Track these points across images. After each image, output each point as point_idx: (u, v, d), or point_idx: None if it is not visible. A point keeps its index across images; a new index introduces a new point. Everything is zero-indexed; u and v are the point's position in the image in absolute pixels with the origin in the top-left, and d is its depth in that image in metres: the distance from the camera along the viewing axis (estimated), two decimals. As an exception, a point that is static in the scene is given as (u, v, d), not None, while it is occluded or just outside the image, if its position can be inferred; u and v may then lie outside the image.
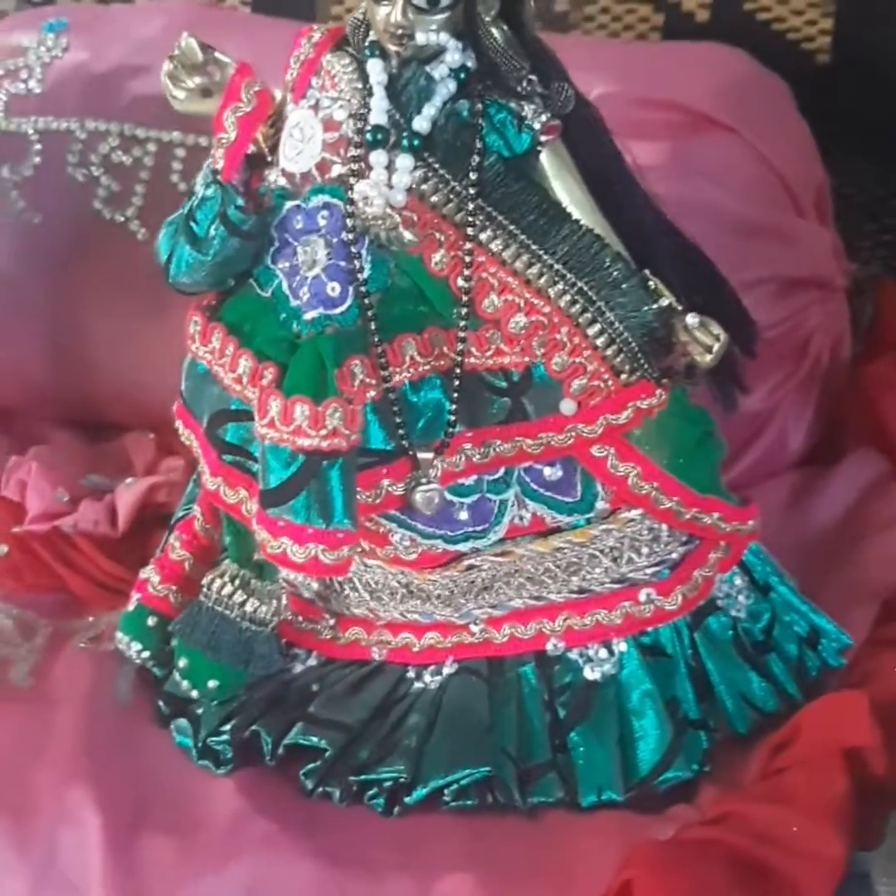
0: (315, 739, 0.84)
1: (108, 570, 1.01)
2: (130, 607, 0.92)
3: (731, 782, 0.84)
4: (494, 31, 0.78)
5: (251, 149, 0.80)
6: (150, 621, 0.91)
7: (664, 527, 0.85)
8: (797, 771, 0.81)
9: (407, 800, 0.83)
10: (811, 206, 1.07)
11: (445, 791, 0.82)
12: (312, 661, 0.89)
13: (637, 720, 0.84)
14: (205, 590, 0.87)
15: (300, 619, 0.89)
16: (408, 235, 0.77)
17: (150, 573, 0.93)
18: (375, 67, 0.77)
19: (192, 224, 0.81)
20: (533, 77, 0.79)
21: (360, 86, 0.78)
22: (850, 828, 0.77)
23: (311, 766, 0.84)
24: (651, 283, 0.81)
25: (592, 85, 1.06)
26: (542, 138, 0.79)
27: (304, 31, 0.83)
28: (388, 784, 0.83)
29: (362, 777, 0.83)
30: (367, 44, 0.79)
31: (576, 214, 0.80)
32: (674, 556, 0.87)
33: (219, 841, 0.82)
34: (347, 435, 0.77)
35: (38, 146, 1.13)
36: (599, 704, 0.84)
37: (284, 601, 0.88)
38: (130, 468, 1.10)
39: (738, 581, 0.89)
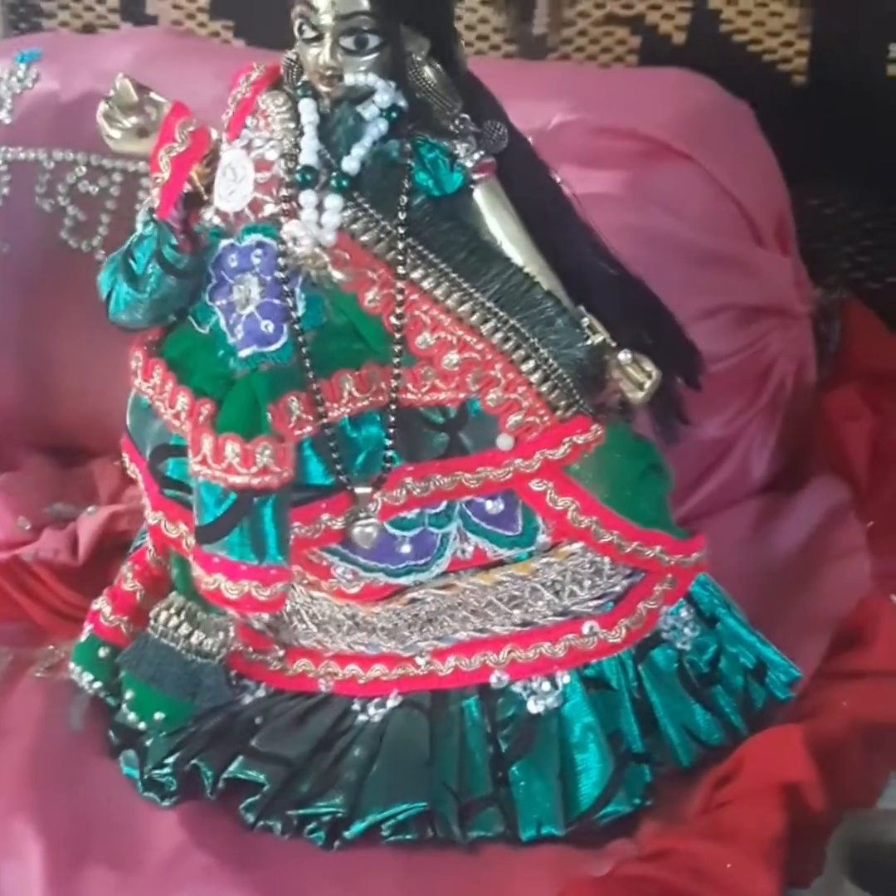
0: (255, 773, 0.84)
1: (67, 599, 1.02)
2: (83, 638, 0.93)
3: (673, 816, 0.84)
4: (426, 70, 0.78)
5: (187, 188, 0.80)
6: (102, 652, 0.92)
7: (606, 560, 0.86)
8: (736, 806, 0.81)
9: (346, 834, 0.83)
10: (772, 233, 1.07)
11: (383, 825, 0.82)
12: (261, 693, 0.90)
13: (579, 754, 0.84)
14: (152, 622, 0.88)
15: (250, 649, 0.90)
16: (337, 275, 0.77)
17: (102, 604, 0.93)
18: (307, 107, 0.78)
19: (131, 262, 0.82)
20: (465, 116, 0.79)
21: (292, 126, 0.78)
22: (783, 864, 0.77)
23: (251, 799, 0.84)
24: (585, 319, 0.81)
25: (553, 113, 1.08)
26: (475, 176, 0.79)
27: (245, 69, 0.84)
28: (326, 818, 0.83)
29: (301, 811, 0.83)
30: (299, 84, 0.79)
31: (510, 251, 0.81)
32: (617, 588, 0.87)
33: (158, 874, 0.82)
34: (278, 472, 0.77)
35: (7, 176, 1.14)
36: (541, 738, 0.85)
37: (232, 633, 0.88)
38: (96, 495, 1.11)
39: (683, 613, 0.89)
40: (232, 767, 0.85)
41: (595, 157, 1.04)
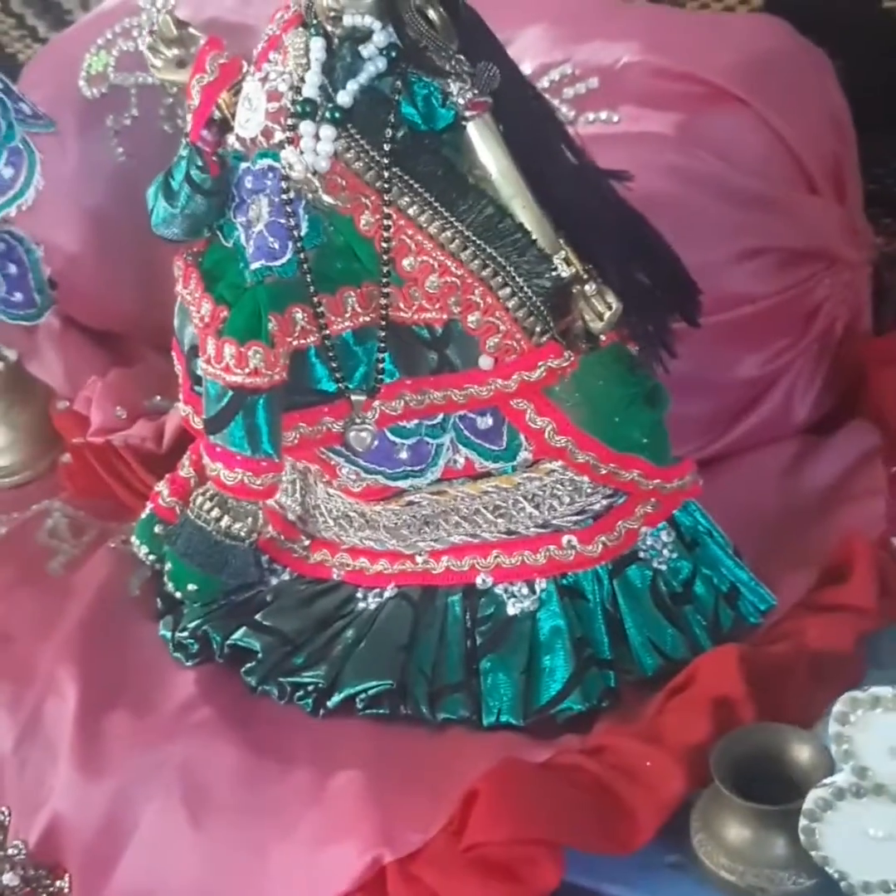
0: (253, 642, 0.95)
1: (147, 482, 1.13)
2: (144, 514, 1.05)
3: (628, 720, 0.90)
4: (430, 12, 0.84)
5: (217, 115, 0.89)
6: (157, 529, 1.04)
7: (585, 479, 0.92)
8: (672, 713, 0.87)
9: (328, 703, 0.92)
10: (827, 181, 1.09)
11: (357, 698, 0.91)
12: (286, 576, 1.00)
13: (546, 655, 0.91)
14: (190, 504, 0.98)
15: (282, 537, 1.00)
16: (328, 200, 0.85)
17: (162, 486, 1.05)
18: (316, 45, 0.86)
19: (170, 179, 0.91)
20: (460, 56, 0.85)
21: (304, 61, 0.86)
22: (699, 770, 0.82)
23: (250, 665, 0.94)
24: (562, 252, 0.86)
25: (621, 53, 1.12)
26: (467, 113, 0.86)
27: (284, 7, 0.92)
28: (311, 687, 0.93)
29: (291, 679, 0.93)
30: (314, 23, 0.87)
31: (500, 184, 0.87)
32: (596, 507, 0.93)
33: (166, 721, 0.94)
34: (268, 375, 0.86)
35: (136, 99, 1.25)
36: (514, 637, 0.92)
37: (261, 520, 0.98)
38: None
39: (664, 536, 0.94)
40: (235, 635, 0.95)
41: (653, 98, 1.08)
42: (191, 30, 0.91)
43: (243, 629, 0.95)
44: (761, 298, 1.07)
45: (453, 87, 0.85)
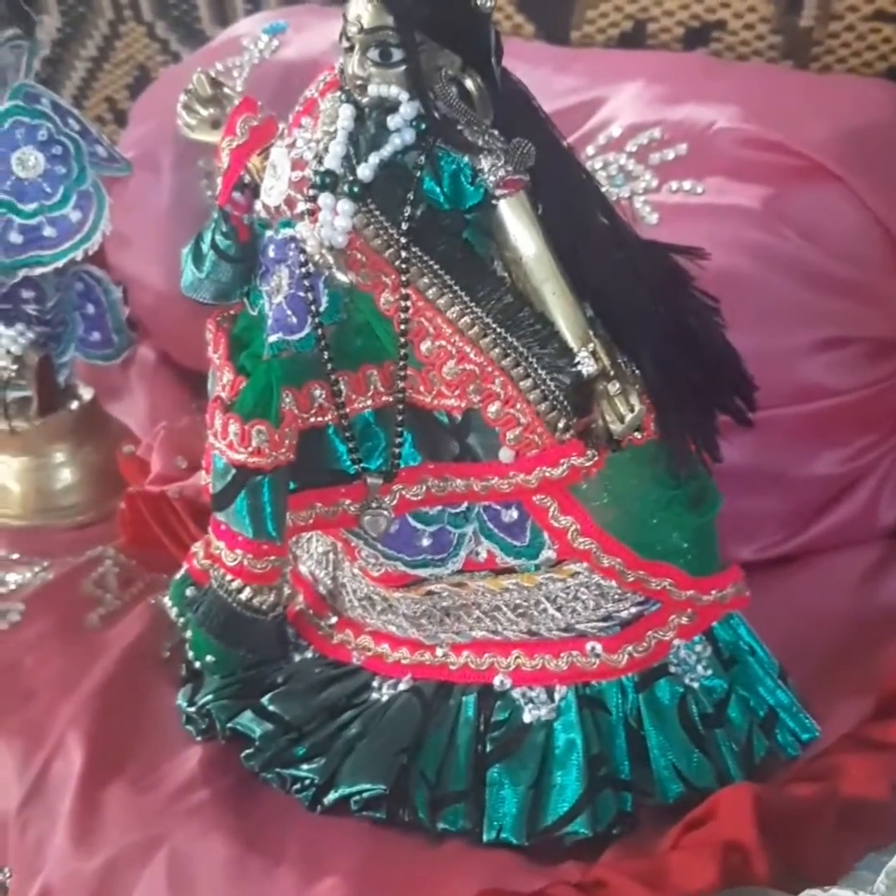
0: (253, 728, 0.90)
1: (196, 537, 1.11)
2: (178, 575, 1.02)
3: (640, 850, 0.84)
4: (467, 82, 0.79)
5: (247, 179, 0.86)
6: (189, 591, 1.00)
7: (613, 584, 0.85)
8: (681, 853, 0.80)
9: (324, 800, 0.88)
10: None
11: (352, 800, 0.87)
12: (309, 654, 0.95)
13: (558, 770, 0.85)
14: (213, 572, 0.95)
15: (311, 612, 0.96)
16: (343, 277, 0.81)
17: (198, 547, 1.02)
18: (345, 113, 0.81)
19: (200, 243, 0.88)
20: (494, 131, 0.80)
21: (331, 130, 0.82)
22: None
23: (248, 751, 0.90)
24: (591, 344, 0.80)
25: (716, 118, 1.05)
26: (498, 192, 0.80)
27: (329, 68, 0.88)
28: (308, 782, 0.88)
29: (289, 771, 0.89)
30: (345, 90, 0.83)
31: (531, 267, 0.81)
32: (624, 614, 0.86)
33: (163, 801, 0.90)
34: (270, 455, 0.82)
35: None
36: (526, 746, 0.86)
37: (286, 594, 0.94)
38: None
39: (699, 649, 0.87)
40: (238, 719, 0.91)
41: (742, 169, 1.01)
42: (226, 89, 0.88)
43: (247, 714, 0.91)
44: (844, 391, 0.99)
45: (484, 164, 0.80)
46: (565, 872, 0.82)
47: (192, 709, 0.93)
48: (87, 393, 1.24)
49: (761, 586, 0.91)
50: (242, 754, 0.91)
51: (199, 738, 0.94)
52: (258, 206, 0.86)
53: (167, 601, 1.02)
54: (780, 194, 1.00)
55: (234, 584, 0.92)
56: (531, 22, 1.43)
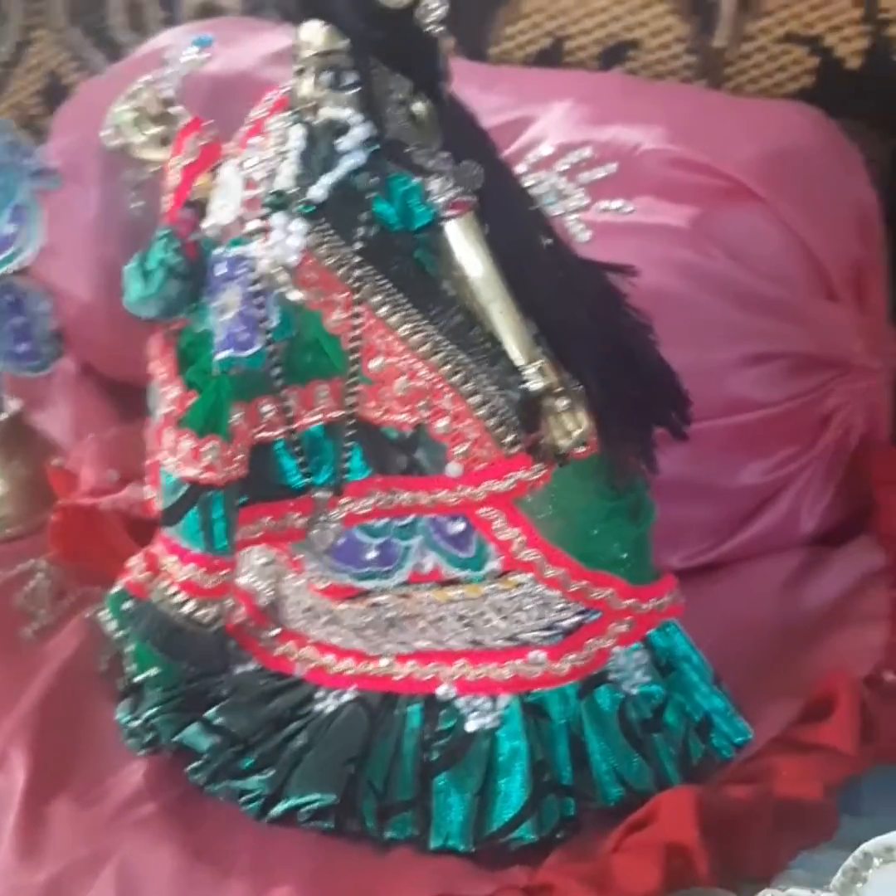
0: (200, 742, 0.91)
1: (131, 550, 1.11)
2: (115, 588, 1.02)
3: (586, 853, 0.86)
4: (413, 107, 0.81)
5: (194, 197, 0.87)
6: (127, 605, 1.00)
7: (556, 593, 0.87)
8: (625, 855, 0.82)
9: (272, 811, 0.89)
10: (848, 285, 1.04)
11: (300, 811, 0.88)
12: (251, 666, 0.96)
13: (502, 777, 0.87)
14: (155, 585, 0.95)
15: (252, 624, 0.97)
16: (295, 295, 0.82)
17: (135, 560, 1.02)
18: (296, 133, 0.83)
19: (145, 260, 0.89)
20: (443, 154, 0.82)
21: (283, 149, 0.83)
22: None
23: (195, 764, 0.91)
24: (538, 361, 0.83)
25: (642, 139, 1.08)
26: (446, 213, 0.82)
27: (272, 87, 0.89)
28: (256, 793, 0.89)
29: (237, 783, 0.90)
30: (296, 111, 0.84)
31: (477, 287, 0.83)
32: (566, 623, 0.88)
33: (108, 816, 0.91)
34: (223, 471, 0.83)
35: (154, 154, 1.23)
36: (471, 755, 0.88)
37: (227, 606, 0.95)
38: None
39: (637, 656, 0.89)
40: (183, 733, 0.92)
41: (670, 189, 1.04)
42: (173, 108, 0.89)
43: (193, 727, 0.92)
44: (768, 405, 1.03)
45: (434, 186, 0.82)
46: (512, 877, 0.84)
47: (137, 723, 0.94)
48: (15, 404, 1.24)
49: (688, 594, 0.94)
50: (188, 768, 0.91)
51: (140, 752, 0.95)
52: (206, 224, 0.86)
53: (105, 615, 1.02)
54: (708, 214, 1.03)
55: (177, 598, 0.92)
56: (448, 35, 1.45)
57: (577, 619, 0.89)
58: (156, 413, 0.94)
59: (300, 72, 0.82)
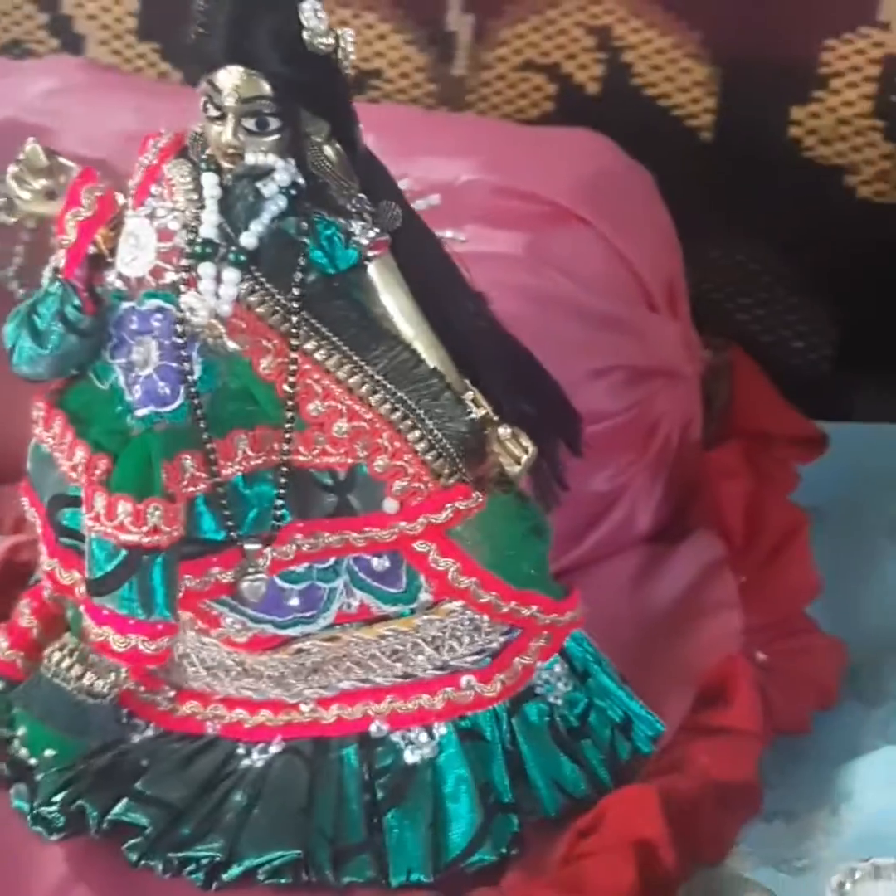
0: (138, 816, 0.87)
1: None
2: (-25, 671, 0.96)
3: (537, 865, 0.88)
4: (325, 150, 0.81)
5: (92, 250, 0.83)
6: (-4, 686, 0.95)
7: (485, 618, 0.89)
8: (593, 859, 0.85)
9: (223, 876, 0.86)
10: (663, 297, 1.11)
11: (259, 870, 0.86)
12: (150, 732, 0.92)
13: (451, 804, 0.88)
14: (45, 661, 0.90)
15: (142, 688, 0.93)
16: (232, 345, 0.80)
17: (-1, 638, 0.96)
18: (209, 181, 0.81)
19: (35, 317, 0.84)
20: (362, 195, 0.83)
21: (195, 197, 0.81)
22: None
23: (133, 841, 0.87)
24: (469, 393, 0.85)
25: (460, 171, 1.12)
26: (370, 253, 0.83)
27: (153, 135, 0.86)
28: (205, 861, 0.86)
29: (181, 854, 0.86)
30: (203, 157, 0.82)
31: (401, 325, 0.85)
32: (494, 645, 0.91)
33: (42, 909, 0.85)
34: (167, 532, 0.81)
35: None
36: (415, 788, 0.88)
37: (124, 674, 0.91)
38: (0, 524, 1.13)
39: (557, 668, 0.93)
40: (116, 809, 0.88)
41: (497, 218, 1.08)
42: (61, 160, 0.85)
43: (124, 802, 0.88)
44: (611, 415, 1.08)
45: (356, 227, 0.82)
46: (481, 898, 0.86)
47: (53, 808, 0.89)
48: None
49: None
50: (125, 845, 0.87)
51: (53, 837, 0.90)
52: (111, 277, 0.83)
53: (-31, 700, 0.96)
54: (537, 239, 1.07)
55: (74, 672, 0.89)
56: (179, 69, 1.43)
57: (503, 639, 0.91)
58: (39, 483, 0.89)
59: (218, 119, 0.80)
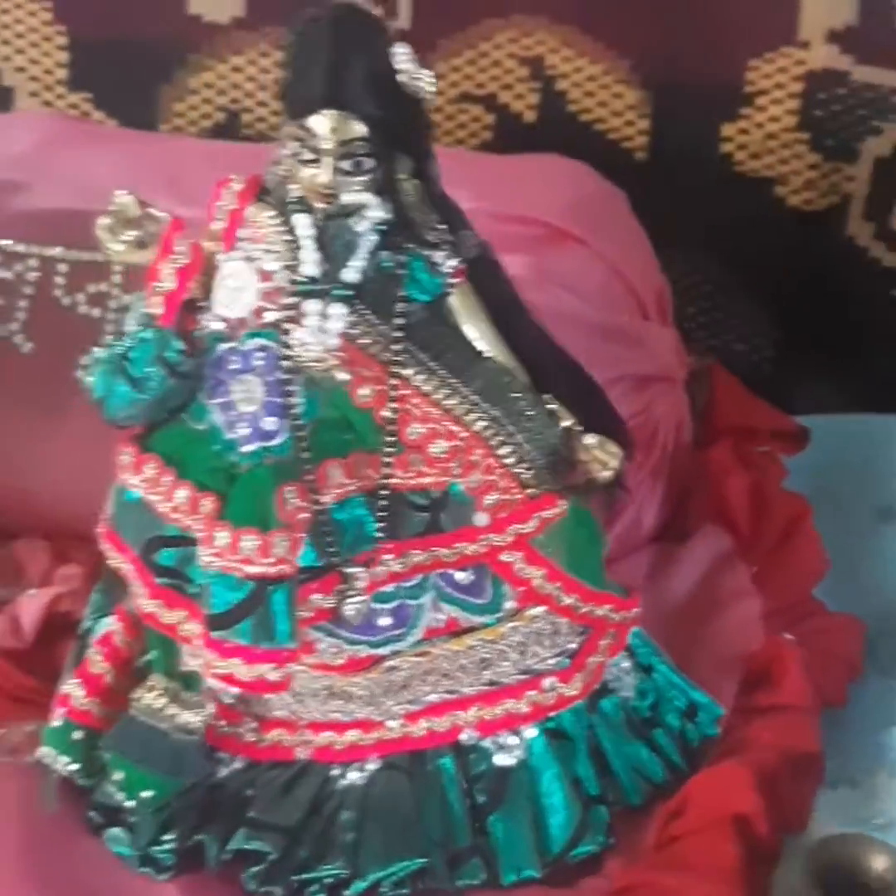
0: (259, 843, 0.89)
1: (17, 681, 1.03)
2: (56, 723, 0.95)
3: (631, 851, 0.92)
4: (408, 187, 0.86)
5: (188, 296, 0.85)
6: (76, 735, 0.94)
7: (564, 620, 0.94)
8: (692, 839, 0.90)
9: (346, 893, 0.89)
10: (654, 307, 1.18)
11: (383, 883, 0.89)
12: (237, 765, 0.94)
13: (548, 800, 0.92)
14: (135, 704, 0.91)
15: (222, 723, 0.94)
16: (342, 376, 0.84)
17: (72, 688, 0.96)
18: (303, 222, 0.84)
19: (127, 364, 0.86)
20: (442, 226, 0.87)
21: (288, 238, 0.84)
22: (745, 889, 0.86)
23: (254, 869, 0.89)
24: (552, 407, 0.89)
25: (458, 200, 1.16)
26: (451, 281, 0.87)
27: (224, 181, 0.89)
28: (328, 880, 0.89)
29: (304, 876, 0.89)
30: (293, 199, 0.85)
31: (485, 349, 0.89)
32: (572, 645, 0.95)
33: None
34: (292, 561, 0.83)
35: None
36: (513, 789, 0.92)
37: (211, 709, 0.93)
38: (23, 576, 1.13)
39: (624, 663, 0.98)
40: (235, 839, 0.89)
41: (499, 242, 1.12)
42: (151, 210, 0.86)
43: (243, 831, 0.90)
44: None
45: (439, 257, 0.86)
46: (592, 887, 0.90)
47: (168, 847, 0.90)
48: None
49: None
50: (246, 872, 0.89)
51: (162, 877, 0.91)
52: (208, 320, 0.85)
53: (49, 751, 0.95)
54: (539, 259, 1.12)
55: (169, 711, 0.90)
56: (113, 117, 1.44)
57: (579, 639, 0.96)
58: (124, 527, 0.90)
59: (311, 161, 0.83)
